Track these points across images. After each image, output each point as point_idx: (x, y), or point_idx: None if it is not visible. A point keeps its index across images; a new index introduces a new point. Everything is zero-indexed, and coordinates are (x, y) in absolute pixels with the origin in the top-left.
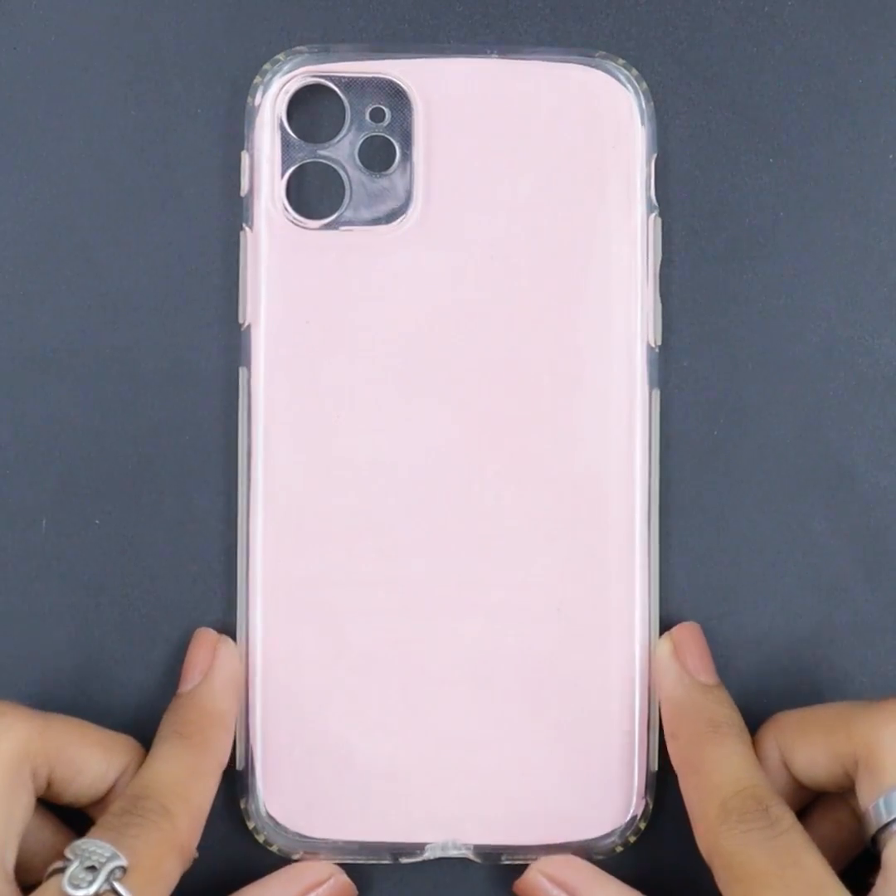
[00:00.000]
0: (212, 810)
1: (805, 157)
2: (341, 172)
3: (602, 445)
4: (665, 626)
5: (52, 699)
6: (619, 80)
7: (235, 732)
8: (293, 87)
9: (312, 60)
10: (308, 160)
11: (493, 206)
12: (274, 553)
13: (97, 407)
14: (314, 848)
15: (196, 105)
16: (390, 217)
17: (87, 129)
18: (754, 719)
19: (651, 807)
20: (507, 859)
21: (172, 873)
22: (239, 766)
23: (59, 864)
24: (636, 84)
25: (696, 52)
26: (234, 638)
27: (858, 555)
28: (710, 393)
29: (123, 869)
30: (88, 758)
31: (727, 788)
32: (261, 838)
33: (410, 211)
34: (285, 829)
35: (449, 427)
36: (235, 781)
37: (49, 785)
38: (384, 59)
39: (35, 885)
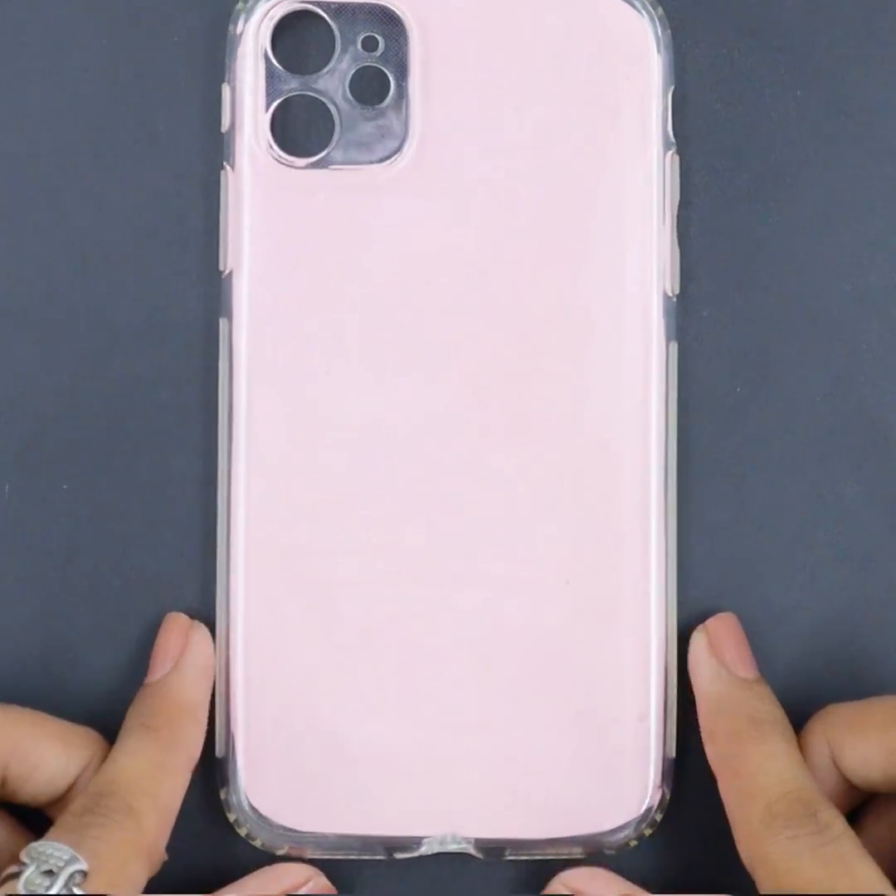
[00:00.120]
0: (189, 802)
1: (835, 88)
2: (330, 106)
3: (614, 404)
4: (682, 600)
5: (13, 681)
6: (632, 4)
7: (216, 717)
8: (278, 13)
9: None
10: (294, 93)
11: (496, 144)
12: (257, 520)
13: (65, 362)
14: (301, 842)
15: (172, 33)
16: (384, 155)
17: (53, 61)
18: (781, 703)
19: (668, 797)
20: (511, 855)
21: (138, 878)
22: (218, 753)
23: (13, 869)
24: (651, 9)
25: None
26: (213, 612)
27: (894, 522)
28: (733, 346)
29: (84, 873)
30: (46, 752)
31: (772, 791)
32: (243, 832)
33: (405, 148)
34: (269, 822)
35: (448, 384)
36: (215, 770)
37: (3, 783)
38: None
39: None
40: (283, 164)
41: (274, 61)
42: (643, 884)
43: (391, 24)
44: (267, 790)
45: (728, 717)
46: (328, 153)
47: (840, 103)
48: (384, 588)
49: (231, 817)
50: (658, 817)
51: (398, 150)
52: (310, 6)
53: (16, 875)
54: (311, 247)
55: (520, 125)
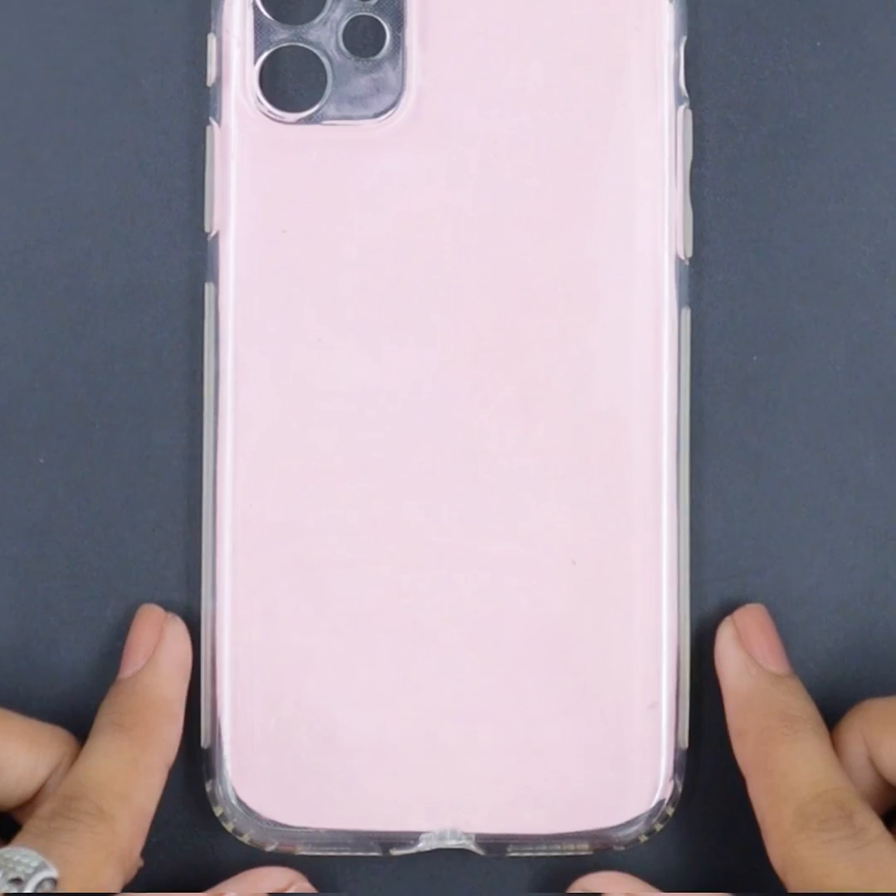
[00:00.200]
0: (172, 795)
1: (857, 39)
2: (323, 58)
3: (624, 374)
4: (696, 581)
5: None
6: None
7: (201, 704)
8: None
9: None
10: (285, 44)
11: (498, 97)
12: (245, 497)
13: (41, 330)
14: (291, 838)
15: None
16: (379, 110)
17: (29, 9)
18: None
19: (680, 790)
20: (514, 851)
21: (111, 885)
22: (204, 743)
23: None
24: None
25: None
26: (197, 593)
27: None
28: (748, 313)
29: (53, 881)
30: (12, 753)
31: (805, 792)
32: (229, 827)
33: (402, 103)
34: (258, 817)
35: (447, 352)
36: (200, 761)
37: None
38: None
39: None
40: (272, 119)
41: (263, 10)
42: (654, 882)
43: None
44: (255, 782)
45: (758, 714)
46: (320, 108)
47: (863, 54)
48: (379, 568)
49: (217, 811)
50: (669, 811)
51: (394, 104)
52: None
53: None
54: (302, 207)
55: (523, 79)
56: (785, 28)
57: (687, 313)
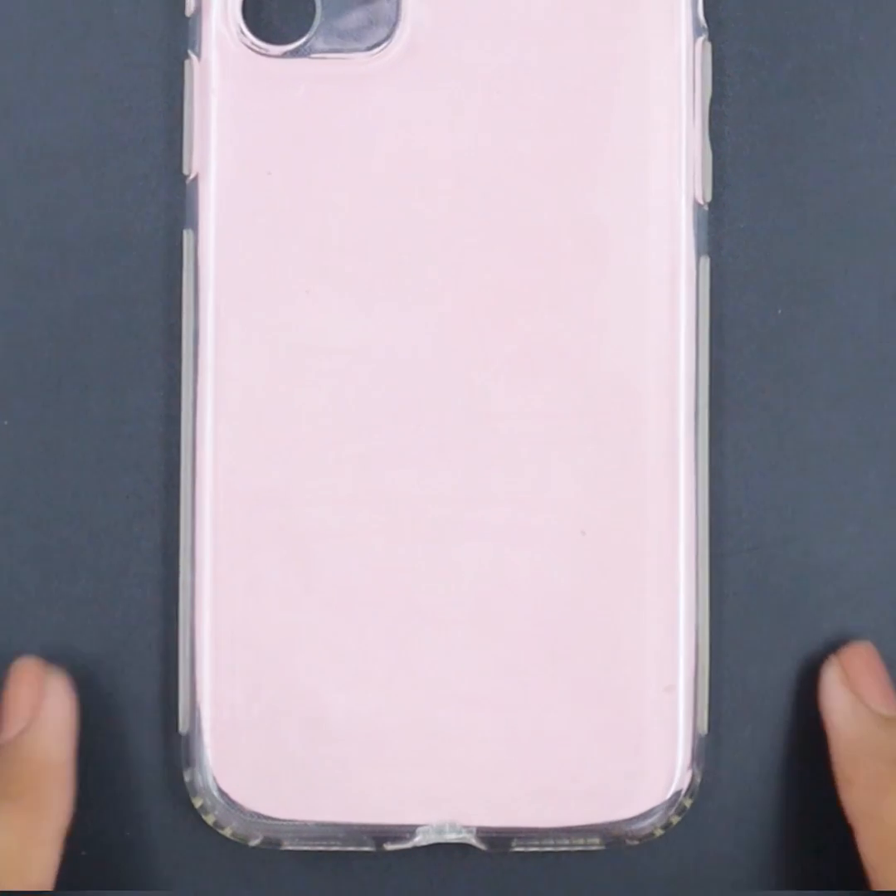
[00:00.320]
0: (149, 785)
1: None
2: None
3: (638, 328)
4: (716, 553)
5: None
6: None
7: (180, 687)
8: None
9: None
10: None
11: (501, 29)
12: (227, 462)
13: (6, 281)
14: (277, 832)
15: None
16: (372, 43)
17: None
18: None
19: (699, 780)
20: (519, 846)
21: None
22: (182, 728)
23: None
24: None
25: None
26: (176, 566)
27: None
28: (773, 262)
29: None
30: None
31: None
32: (210, 819)
33: (397, 35)
34: (240, 809)
35: (446, 306)
36: (178, 748)
37: None
38: None
39: None
40: (256, 52)
41: None
42: (670, 879)
43: None
44: (238, 771)
45: (869, 760)
46: (308, 40)
47: None
48: (372, 540)
49: (196, 802)
50: (687, 803)
51: (389, 36)
52: None
53: None
54: (288, 147)
55: (528, 9)
56: None
57: (706, 263)
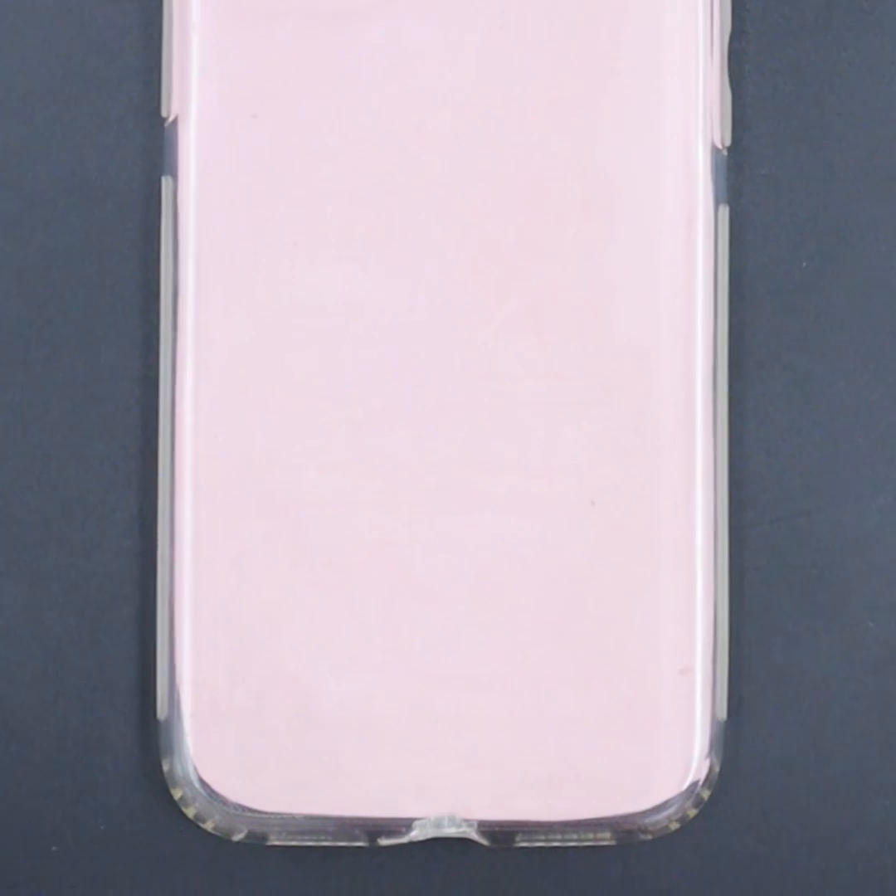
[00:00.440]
0: (124, 775)
1: None
2: None
3: (651, 283)
4: (736, 525)
5: None
6: None
7: (157, 669)
8: None
9: None
10: None
11: None
12: (208, 426)
13: None
14: (263, 825)
15: None
16: None
17: None
18: (859, 646)
19: (717, 770)
20: (523, 841)
21: None
22: (160, 714)
23: None
24: None
25: None
26: (153, 538)
27: None
28: (797, 211)
29: None
30: None
31: None
32: (190, 812)
33: None
34: (223, 800)
35: (445, 258)
36: (156, 735)
37: None
38: None
39: None
40: None
41: None
42: (686, 876)
43: None
44: (220, 760)
45: None
46: None
47: None
48: (367, 511)
49: (176, 794)
50: (705, 794)
51: None
52: None
53: None
54: (274, 87)
55: None
56: None
57: (725, 212)
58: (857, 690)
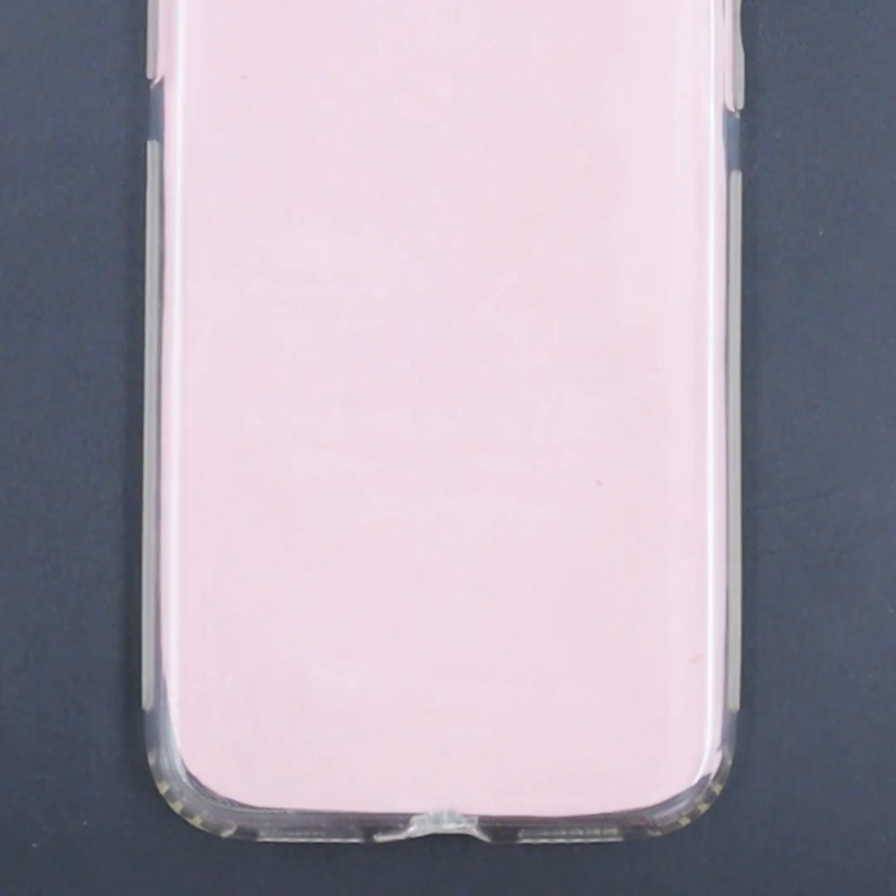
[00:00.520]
0: (108, 768)
1: None
2: None
3: (660, 252)
4: (749, 506)
5: None
6: None
7: (143, 658)
8: None
9: None
10: None
11: None
12: (196, 403)
13: None
14: (253, 820)
15: None
16: None
17: None
18: (878, 633)
19: (729, 763)
20: (526, 837)
21: None
22: (146, 704)
23: None
24: None
25: None
26: (138, 520)
27: None
28: (813, 177)
29: None
30: None
31: None
32: (177, 807)
33: None
34: (212, 795)
35: (444, 225)
36: (142, 726)
37: None
38: None
39: None
40: None
41: None
42: (696, 875)
43: None
44: (209, 753)
45: None
46: None
47: None
48: (362, 491)
49: (162, 788)
50: (716, 789)
51: None
52: None
53: None
54: (265, 46)
55: None
56: None
57: (737, 178)
58: (876, 679)
